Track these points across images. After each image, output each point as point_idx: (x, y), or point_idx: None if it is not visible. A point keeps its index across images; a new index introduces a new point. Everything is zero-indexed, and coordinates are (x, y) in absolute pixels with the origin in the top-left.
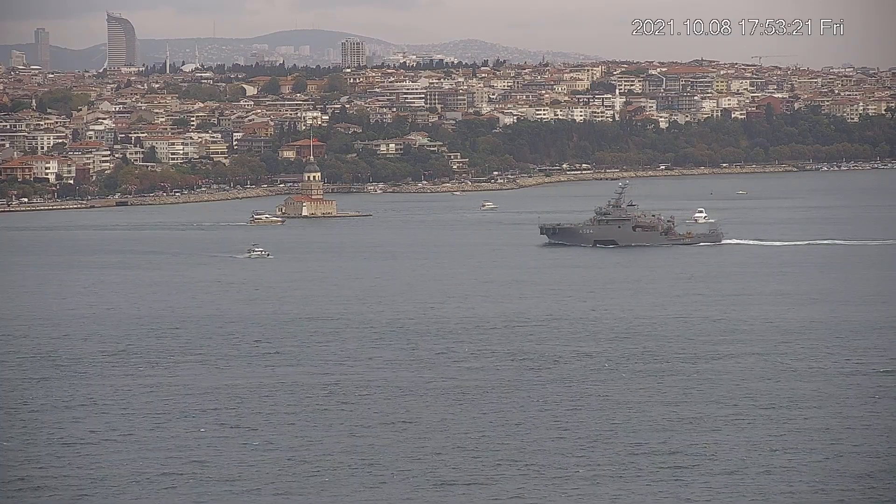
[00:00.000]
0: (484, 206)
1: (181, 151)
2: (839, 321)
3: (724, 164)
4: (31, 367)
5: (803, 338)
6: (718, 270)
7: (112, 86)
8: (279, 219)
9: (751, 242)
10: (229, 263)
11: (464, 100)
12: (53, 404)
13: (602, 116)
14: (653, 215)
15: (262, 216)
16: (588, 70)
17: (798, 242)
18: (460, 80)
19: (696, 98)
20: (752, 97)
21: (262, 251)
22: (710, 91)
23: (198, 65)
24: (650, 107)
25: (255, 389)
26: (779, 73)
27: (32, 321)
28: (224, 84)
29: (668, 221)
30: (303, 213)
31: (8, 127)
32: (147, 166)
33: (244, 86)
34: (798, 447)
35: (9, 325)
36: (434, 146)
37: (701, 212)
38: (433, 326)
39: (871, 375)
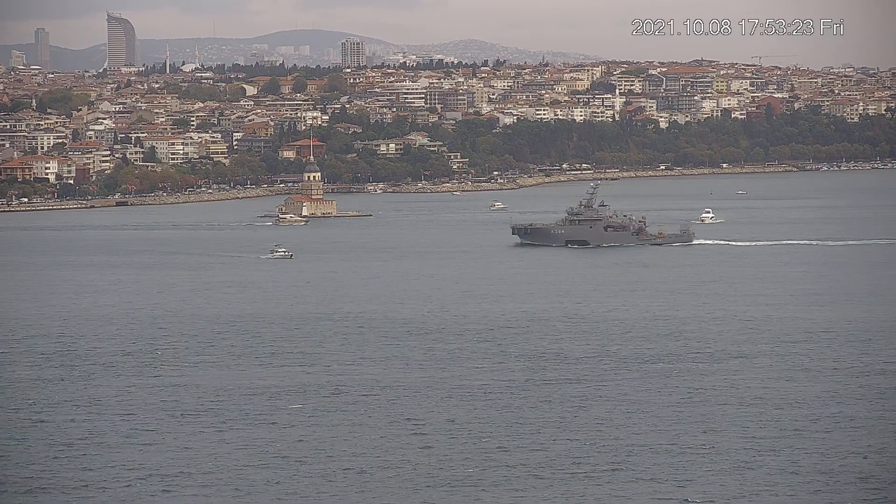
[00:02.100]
0: (493, 206)
1: (181, 151)
2: (781, 320)
3: (724, 164)
4: (45, 367)
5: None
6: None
7: (112, 86)
8: (303, 219)
9: (721, 243)
10: (253, 264)
11: (464, 100)
12: (59, 404)
13: (602, 116)
14: (624, 215)
15: (287, 216)
16: (588, 70)
17: (772, 243)
18: (460, 80)
19: (696, 98)
20: (752, 97)
21: (284, 251)
22: (710, 91)
23: (198, 65)
24: (650, 107)
25: (260, 389)
26: (779, 73)
27: (70, 321)
28: (224, 84)
29: (640, 222)
30: (302, 214)
31: (8, 127)
32: (147, 166)
33: (244, 86)
34: (800, 447)
35: (25, 324)
36: (434, 146)
37: (708, 212)
38: (431, 326)
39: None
